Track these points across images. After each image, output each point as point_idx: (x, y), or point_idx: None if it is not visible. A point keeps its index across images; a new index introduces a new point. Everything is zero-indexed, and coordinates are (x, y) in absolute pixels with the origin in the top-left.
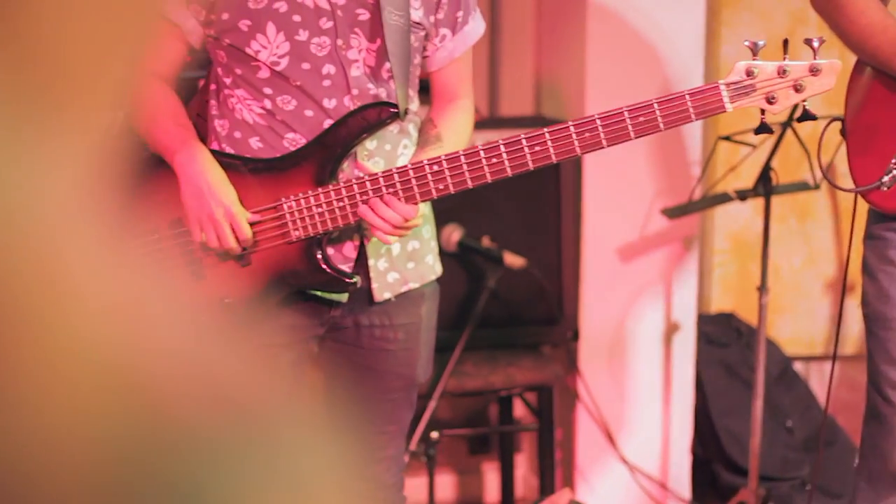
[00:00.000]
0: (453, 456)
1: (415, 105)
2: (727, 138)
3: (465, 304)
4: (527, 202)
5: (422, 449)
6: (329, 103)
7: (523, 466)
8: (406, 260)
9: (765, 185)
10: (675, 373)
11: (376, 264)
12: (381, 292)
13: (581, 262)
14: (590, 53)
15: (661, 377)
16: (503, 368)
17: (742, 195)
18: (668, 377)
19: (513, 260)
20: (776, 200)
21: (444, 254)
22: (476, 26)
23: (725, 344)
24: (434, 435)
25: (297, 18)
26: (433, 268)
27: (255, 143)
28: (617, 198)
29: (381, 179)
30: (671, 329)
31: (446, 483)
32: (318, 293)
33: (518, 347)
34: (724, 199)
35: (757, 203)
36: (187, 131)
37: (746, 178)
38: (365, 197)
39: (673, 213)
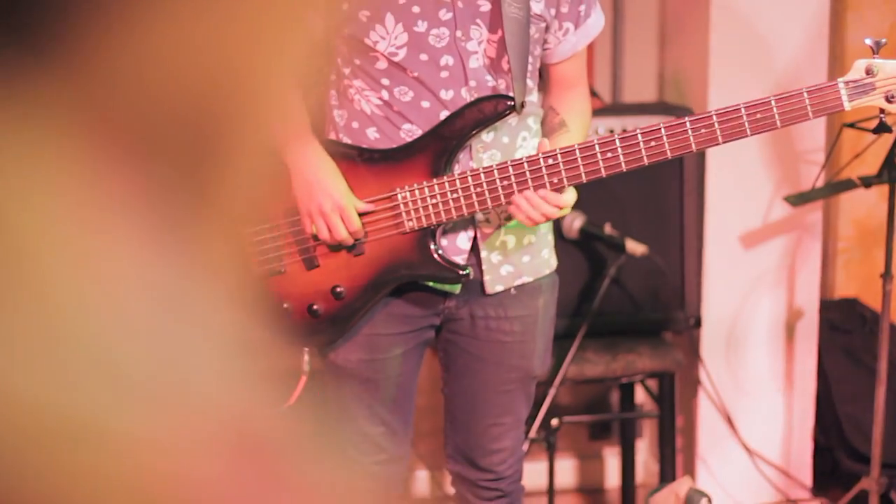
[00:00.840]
0: (574, 441)
1: (534, 97)
2: (852, 125)
3: (587, 292)
4: (649, 189)
5: (542, 436)
6: (446, 94)
7: (644, 452)
8: (521, 253)
9: (889, 172)
10: (797, 359)
11: (489, 256)
12: (494, 285)
13: (704, 250)
14: (713, 40)
15: (784, 364)
16: (624, 356)
17: (866, 182)
18: (791, 364)
19: (634, 247)
20: None
21: (565, 241)
22: (598, 19)
23: (849, 330)
24: (554, 422)
25: (416, 10)
26: (548, 262)
27: (372, 133)
28: (740, 185)
29: (495, 172)
30: (794, 316)
31: (566, 468)
32: (431, 284)
33: (639, 334)
34: (847, 185)
35: (882, 190)
36: (300, 123)
37: (871, 164)
38: (480, 189)
39: (796, 200)
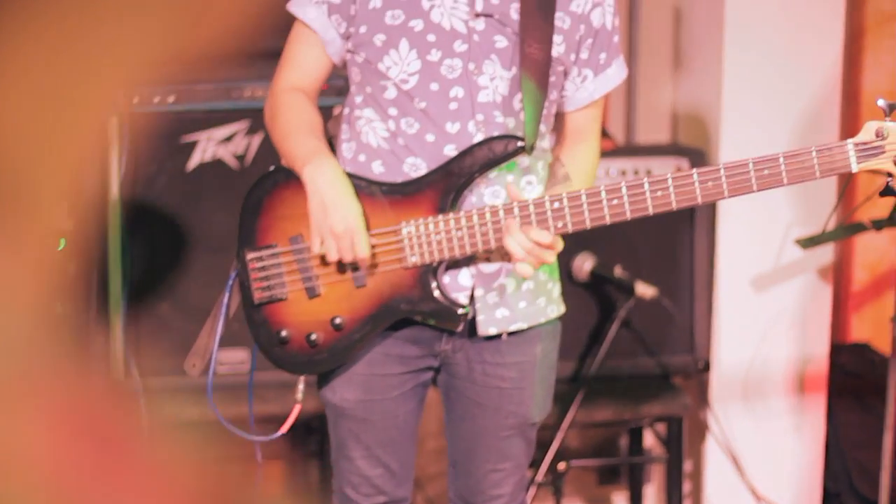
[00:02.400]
0: (582, 486)
1: (546, 142)
2: None
3: (596, 334)
4: (660, 231)
5: (549, 480)
6: (452, 127)
7: (652, 497)
8: (518, 298)
9: None
10: (806, 404)
11: (485, 296)
12: (486, 326)
13: (714, 292)
14: (727, 81)
15: (793, 409)
16: (633, 399)
17: (878, 225)
18: (800, 408)
19: (644, 290)
20: None
21: (575, 283)
22: (618, 71)
23: (859, 375)
24: (562, 466)
25: (431, 38)
26: (544, 310)
27: (377, 166)
28: (751, 228)
29: (501, 211)
30: (804, 360)
31: None
32: (430, 322)
33: (648, 378)
34: (859, 228)
35: (894, 233)
36: (321, 145)
37: (884, 207)
38: (484, 229)
39: (807, 243)
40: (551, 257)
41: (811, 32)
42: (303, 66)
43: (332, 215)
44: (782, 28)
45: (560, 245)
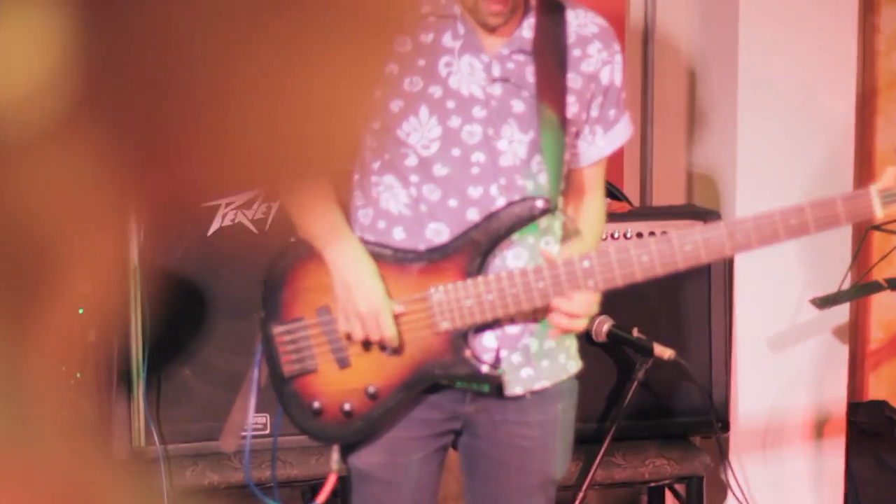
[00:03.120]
0: None
1: (560, 202)
2: (878, 227)
3: (615, 395)
4: (677, 292)
5: None
6: (475, 191)
7: None
8: (542, 357)
9: None
10: (824, 462)
11: (510, 357)
12: (513, 386)
13: (731, 353)
14: (741, 143)
15: (811, 467)
16: (652, 460)
17: (893, 284)
18: (819, 467)
19: (662, 351)
20: None
21: (593, 344)
22: (626, 127)
23: (877, 433)
24: None
25: (450, 105)
26: (565, 367)
27: (398, 233)
28: (768, 287)
29: (530, 274)
30: (822, 419)
31: None
32: (460, 384)
33: (667, 438)
34: (874, 288)
35: None
36: (339, 221)
37: None
38: (514, 290)
39: (823, 302)
40: (582, 325)
41: (824, 93)
42: None
43: (355, 296)
44: (796, 89)
45: (595, 308)
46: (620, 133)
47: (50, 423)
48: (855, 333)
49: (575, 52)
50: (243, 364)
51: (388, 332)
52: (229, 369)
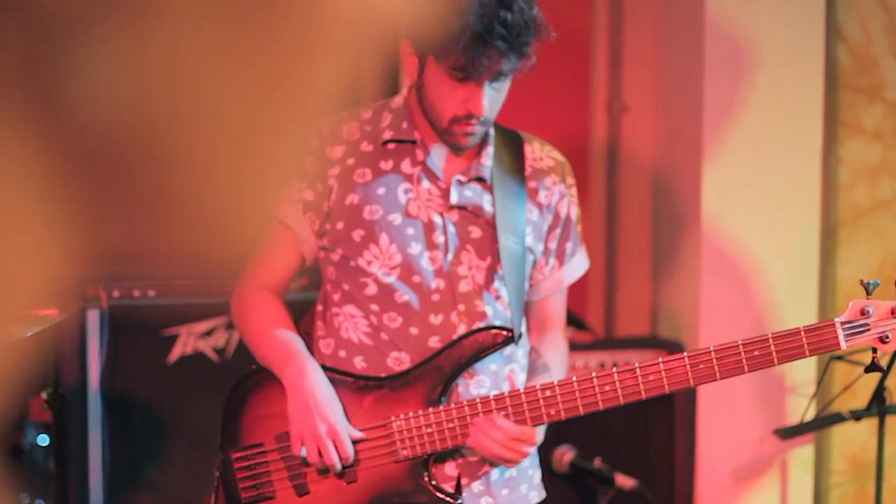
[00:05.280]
0: None
1: (525, 329)
2: (840, 358)
3: None
4: (640, 423)
5: None
6: (435, 319)
7: None
8: (502, 486)
9: (879, 406)
10: None
11: (471, 486)
12: None
13: (694, 484)
14: (703, 275)
15: None
16: None
17: (856, 415)
18: None
19: (624, 481)
20: (892, 420)
21: (555, 474)
22: (583, 260)
23: None
24: None
25: (410, 231)
26: (526, 497)
27: (359, 362)
28: (730, 418)
29: (492, 402)
30: None
31: None
32: None
33: None
34: (837, 419)
35: (874, 423)
36: (296, 345)
37: (862, 397)
38: (476, 420)
39: (786, 433)
40: (530, 450)
41: (788, 228)
42: (273, 265)
43: (312, 419)
44: (759, 222)
45: (539, 437)
46: (577, 266)
47: None
48: (819, 465)
49: (531, 184)
50: (202, 492)
51: (346, 452)
52: (189, 498)
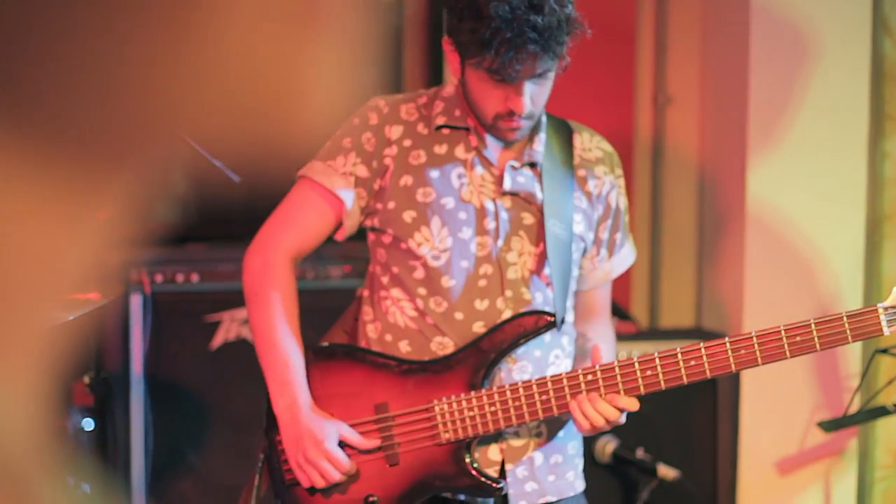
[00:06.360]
0: None
1: (571, 316)
2: (884, 351)
3: None
4: (682, 413)
5: None
6: (481, 304)
7: None
8: (547, 472)
9: None
10: None
11: (515, 471)
12: (517, 500)
13: (737, 476)
14: (748, 267)
15: None
16: None
17: None
18: None
19: (666, 472)
20: None
21: (598, 465)
22: (630, 252)
23: None
24: None
25: (462, 216)
26: (573, 484)
27: (404, 346)
28: (775, 410)
29: (534, 386)
30: None
31: None
32: (463, 497)
33: None
34: (881, 412)
35: None
36: (291, 370)
37: None
38: (518, 404)
39: (829, 426)
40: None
41: (833, 221)
42: (307, 232)
43: (304, 446)
44: (804, 215)
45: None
46: (625, 258)
47: None
48: (863, 459)
49: (580, 173)
50: (243, 477)
51: (343, 466)
52: (230, 482)
